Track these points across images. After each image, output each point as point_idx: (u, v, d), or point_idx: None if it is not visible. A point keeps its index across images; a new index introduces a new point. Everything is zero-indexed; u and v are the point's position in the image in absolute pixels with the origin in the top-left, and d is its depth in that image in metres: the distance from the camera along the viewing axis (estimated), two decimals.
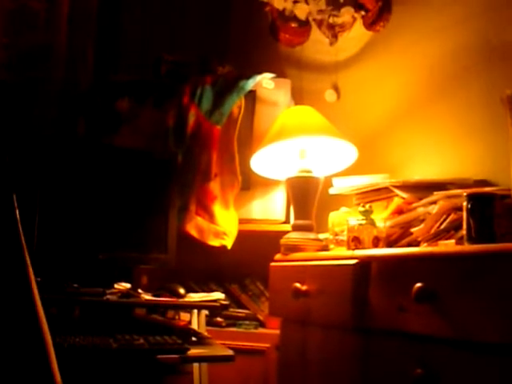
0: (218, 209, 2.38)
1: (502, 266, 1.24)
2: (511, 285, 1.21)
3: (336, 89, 2.62)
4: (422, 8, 2.29)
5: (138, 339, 1.82)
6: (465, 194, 1.49)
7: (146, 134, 2.54)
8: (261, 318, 2.55)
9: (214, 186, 2.39)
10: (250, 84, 2.45)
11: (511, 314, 1.20)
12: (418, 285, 1.42)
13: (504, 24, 1.99)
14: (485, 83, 2.04)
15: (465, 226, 1.49)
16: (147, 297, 2.06)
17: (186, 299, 2.10)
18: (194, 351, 1.85)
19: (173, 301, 2.05)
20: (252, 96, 2.49)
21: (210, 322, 2.50)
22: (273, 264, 2.08)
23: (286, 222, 2.42)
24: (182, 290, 2.10)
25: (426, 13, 2.28)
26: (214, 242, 2.38)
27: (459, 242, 1.58)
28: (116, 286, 2.15)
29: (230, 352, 1.92)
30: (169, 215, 2.25)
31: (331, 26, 2.63)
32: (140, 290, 2.14)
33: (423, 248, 1.64)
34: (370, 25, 2.48)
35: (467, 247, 1.44)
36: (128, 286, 2.17)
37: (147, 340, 1.82)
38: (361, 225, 1.82)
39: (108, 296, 2.00)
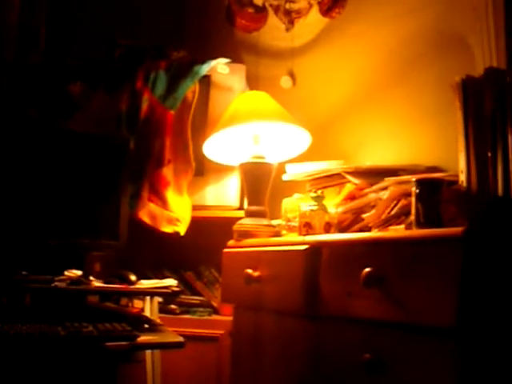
0: (171, 195, 2.36)
1: (446, 250, 1.25)
2: (454, 269, 1.22)
3: (292, 75, 2.61)
4: None
5: (87, 327, 1.79)
6: (413, 179, 1.49)
7: (98, 119, 2.50)
8: (215, 304, 2.54)
9: (167, 171, 2.36)
10: (205, 69, 2.42)
11: (454, 297, 1.21)
12: (367, 270, 1.42)
13: (455, 13, 2.01)
14: (437, 70, 2.05)
15: (413, 211, 1.50)
16: (97, 284, 2.02)
17: (137, 286, 2.07)
18: (143, 338, 1.83)
19: (123, 287, 2.02)
20: (206, 81, 2.46)
21: (163, 309, 2.48)
22: (226, 250, 2.07)
23: (240, 208, 2.41)
24: (133, 277, 2.07)
25: (381, 0, 2.28)
26: (167, 229, 2.36)
27: (409, 227, 1.59)
28: (66, 273, 2.11)
29: (181, 339, 1.91)
30: (120, 201, 2.22)
31: (288, 12, 2.62)
32: (91, 277, 2.10)
33: (372, 233, 1.65)
34: (326, 11, 2.48)
35: (413, 232, 1.45)
36: (79, 272, 2.13)
37: (96, 327, 1.79)
38: (312, 211, 1.82)
39: (56, 283, 1.96)
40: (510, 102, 1.42)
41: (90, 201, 2.20)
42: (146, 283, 2.11)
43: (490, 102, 1.46)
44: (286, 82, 2.58)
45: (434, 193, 1.45)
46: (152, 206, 2.35)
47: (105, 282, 2.05)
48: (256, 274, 1.84)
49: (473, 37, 1.93)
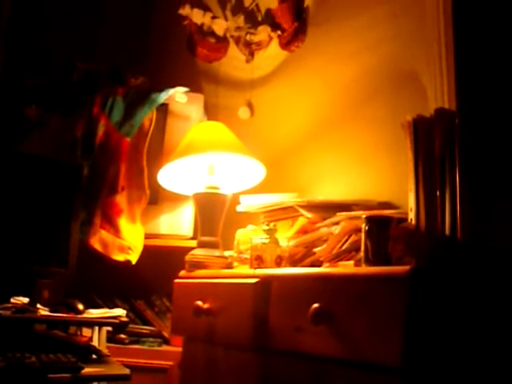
0: (123, 223, 2.33)
1: (392, 288, 1.26)
2: (400, 307, 1.23)
3: (250, 106, 2.62)
4: (336, 32, 2.32)
5: (30, 357, 1.73)
6: (363, 216, 1.50)
7: (53, 143, 2.46)
8: (166, 335, 2.50)
9: (121, 199, 2.33)
10: (163, 97, 2.42)
11: (400, 336, 1.21)
12: (315, 306, 1.42)
13: (410, 52, 2.05)
14: (391, 107, 2.08)
15: (362, 247, 1.51)
16: (44, 312, 1.98)
17: (85, 315, 2.03)
18: (88, 370, 1.78)
19: (69, 317, 1.98)
20: (164, 109, 2.45)
21: (113, 338, 2.43)
22: (177, 281, 2.05)
23: (194, 237, 2.39)
24: (80, 306, 2.03)
25: (340, 36, 2.32)
26: (119, 257, 2.32)
27: (358, 263, 1.59)
28: (13, 300, 2.06)
29: (127, 371, 1.87)
30: (71, 228, 2.18)
31: (248, 44, 2.64)
32: (39, 305, 2.05)
33: (320, 269, 1.65)
34: (285, 45, 2.50)
35: (361, 269, 1.45)
36: (26, 300, 2.08)
37: (39, 358, 1.74)
38: (264, 244, 1.82)
39: (0, 311, 1.90)
40: (458, 143, 1.45)
41: (40, 226, 2.16)
42: (94, 312, 2.07)
43: (440, 142, 1.48)
44: (244, 112, 2.59)
45: (382, 230, 1.46)
46: (104, 234, 2.31)
47: (51, 311, 2.00)
48: (206, 306, 1.82)
49: (426, 76, 1.97)
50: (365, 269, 1.45)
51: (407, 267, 1.28)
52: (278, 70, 2.56)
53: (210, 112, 2.64)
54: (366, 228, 1.48)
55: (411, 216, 1.51)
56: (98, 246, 2.31)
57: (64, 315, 1.98)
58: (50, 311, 2.00)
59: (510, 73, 1.64)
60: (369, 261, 1.47)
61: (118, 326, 2.10)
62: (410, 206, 1.52)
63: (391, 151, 2.05)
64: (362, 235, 1.51)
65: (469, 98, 1.57)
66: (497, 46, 1.73)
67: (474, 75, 1.63)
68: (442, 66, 1.87)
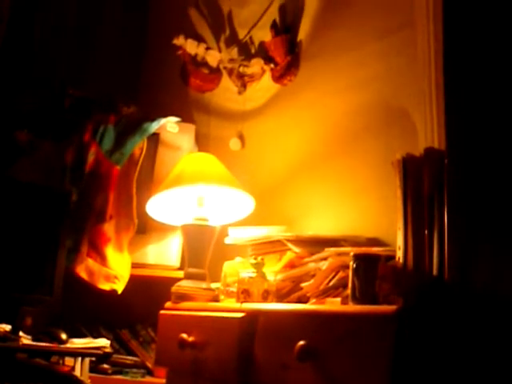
0: (110, 251, 2.31)
1: (379, 328, 1.26)
2: (386, 347, 1.22)
3: (241, 137, 2.63)
4: (328, 67, 2.35)
5: None
6: (351, 253, 1.50)
7: (43, 168, 2.46)
8: (149, 365, 2.47)
9: (109, 227, 2.32)
10: (154, 126, 2.42)
11: (386, 375, 1.20)
12: (301, 343, 1.41)
13: (402, 89, 2.06)
14: (382, 143, 2.09)
15: (350, 285, 1.50)
16: (26, 341, 1.95)
17: (68, 345, 2.01)
18: None
19: (51, 347, 1.95)
20: (155, 139, 2.46)
21: (95, 368, 2.39)
22: (162, 312, 2.03)
23: (181, 268, 2.37)
24: (63, 335, 2.01)
25: (332, 72, 2.34)
26: (105, 286, 2.30)
27: (345, 300, 1.59)
28: None
29: None
30: (57, 255, 2.16)
31: (241, 76, 2.66)
32: (21, 333, 2.03)
33: (308, 306, 1.64)
34: (278, 78, 2.52)
35: (348, 307, 1.45)
36: (8, 327, 2.05)
37: None
38: (251, 278, 1.81)
39: None
40: (447, 184, 1.45)
41: (26, 252, 2.14)
42: (77, 342, 2.05)
43: (429, 181, 1.49)
44: (235, 144, 2.59)
45: (370, 269, 1.46)
46: (90, 262, 2.30)
47: (34, 340, 1.97)
48: (191, 338, 1.80)
49: (417, 114, 1.98)
50: (352, 307, 1.44)
51: (394, 307, 1.27)
52: (270, 102, 2.58)
53: (201, 142, 2.65)
54: (354, 266, 1.48)
55: (399, 254, 1.50)
56: (83, 275, 2.29)
57: (46, 345, 1.95)
58: (33, 340, 1.97)
59: (499, 114, 1.65)
60: (356, 299, 1.46)
61: (102, 357, 2.08)
62: (398, 245, 1.52)
63: (380, 187, 2.05)
64: (350, 273, 1.50)
65: (458, 138, 1.57)
66: (486, 87, 1.75)
67: (464, 116, 1.64)
68: (433, 104, 1.89)
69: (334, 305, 1.56)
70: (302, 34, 2.50)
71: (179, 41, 2.76)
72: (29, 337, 2.00)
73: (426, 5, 2.04)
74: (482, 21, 1.89)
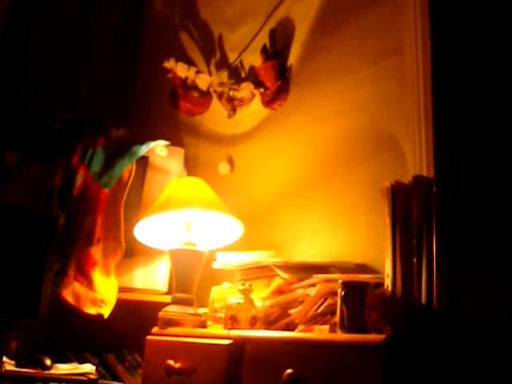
0: (97, 275, 2.28)
1: (367, 357, 1.25)
2: (374, 376, 1.22)
3: (230, 161, 2.62)
4: (318, 92, 2.35)
5: None
6: (340, 281, 1.50)
7: (31, 190, 2.44)
8: None
9: (96, 251, 2.30)
10: (143, 150, 2.41)
11: None
12: (288, 371, 1.40)
13: (391, 116, 2.07)
14: (371, 169, 2.10)
15: (338, 313, 1.50)
16: (9, 366, 1.92)
17: (52, 371, 1.98)
18: None
19: (35, 373, 1.92)
20: (144, 162, 2.44)
21: None
22: (149, 337, 2.01)
23: (168, 293, 2.35)
24: (48, 361, 1.98)
25: (321, 97, 2.34)
26: (91, 310, 2.27)
27: (333, 328, 1.57)
28: None
29: None
30: (43, 279, 2.14)
31: (231, 100, 2.66)
32: (5, 358, 1.99)
33: (296, 333, 1.63)
34: (267, 102, 2.52)
35: (336, 336, 1.44)
36: None
37: None
38: (239, 304, 1.80)
39: None
40: (435, 212, 1.45)
41: (12, 276, 2.11)
42: (61, 368, 2.02)
43: (418, 209, 1.49)
44: (224, 168, 2.59)
45: (359, 296, 1.46)
46: (77, 286, 2.27)
47: (17, 366, 1.94)
48: (178, 365, 1.79)
49: (406, 140, 1.99)
50: (340, 335, 1.43)
51: (382, 336, 1.27)
52: (260, 126, 2.58)
53: (191, 166, 2.64)
54: (342, 293, 1.47)
55: (388, 282, 1.50)
56: (70, 299, 2.26)
57: (30, 371, 1.92)
58: (16, 366, 1.94)
59: (487, 142, 1.66)
60: (344, 327, 1.45)
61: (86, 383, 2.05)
62: (386, 272, 1.52)
63: (369, 213, 2.05)
64: (338, 300, 1.50)
65: (446, 166, 1.58)
66: (475, 114, 1.76)
67: (452, 143, 1.65)
68: (421, 130, 1.90)
69: (322, 333, 1.55)
70: (292, 58, 2.51)
71: (170, 64, 2.76)
72: (12, 362, 1.97)
73: (415, 31, 2.05)
74: (470, 47, 1.91)
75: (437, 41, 1.97)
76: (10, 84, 2.95)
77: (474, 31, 1.91)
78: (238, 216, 2.18)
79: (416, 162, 1.89)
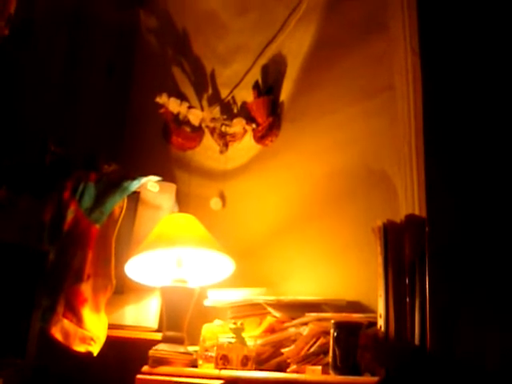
0: (87, 312, 2.25)
1: None
2: None
3: (222, 197, 2.61)
4: (309, 129, 2.37)
5: None
6: (332, 321, 1.48)
7: (20, 226, 2.41)
8: None
9: (86, 287, 2.26)
10: (135, 185, 2.40)
11: None
12: None
13: (382, 152, 2.08)
14: (362, 206, 2.10)
15: (331, 353, 1.48)
16: None
17: None
18: None
19: None
20: (135, 197, 2.43)
21: None
22: (139, 376, 1.98)
23: (159, 330, 2.32)
24: None
25: (313, 133, 2.36)
26: (80, 348, 2.23)
27: (326, 367, 1.56)
28: None
29: None
30: (32, 316, 2.10)
31: (223, 135, 2.66)
32: None
33: (287, 374, 1.61)
34: (259, 138, 2.53)
35: (328, 377, 1.43)
36: None
37: None
38: (230, 343, 1.77)
39: None
40: (428, 251, 1.45)
41: None
42: None
43: (410, 249, 1.48)
44: (215, 204, 2.58)
45: (351, 337, 1.44)
46: (66, 323, 2.23)
47: None
48: None
49: (398, 177, 2.00)
50: (332, 377, 1.42)
51: (375, 379, 1.25)
52: (252, 162, 2.58)
53: (182, 201, 2.62)
54: (335, 334, 1.46)
55: (380, 323, 1.49)
56: (58, 336, 2.22)
57: None
58: None
59: (480, 180, 1.66)
60: (337, 368, 1.44)
61: None
62: (379, 312, 1.50)
63: (361, 249, 2.05)
64: (331, 341, 1.48)
65: (439, 205, 1.58)
66: (466, 151, 1.77)
67: (444, 181, 1.65)
68: (413, 168, 1.91)
69: (314, 374, 1.53)
70: (284, 94, 2.53)
71: (162, 99, 2.77)
72: None
73: (406, 68, 2.08)
74: (461, 85, 1.93)
75: (428, 78, 1.99)
76: (2, 119, 2.95)
77: (464, 68, 1.94)
78: (229, 252, 2.16)
79: (408, 199, 1.89)
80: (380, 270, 1.51)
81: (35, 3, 3.13)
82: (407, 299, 1.45)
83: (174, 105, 2.75)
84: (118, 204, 2.37)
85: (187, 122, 2.78)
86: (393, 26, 2.11)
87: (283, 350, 1.78)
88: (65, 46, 3.23)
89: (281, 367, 1.78)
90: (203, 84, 2.96)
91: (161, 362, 1.96)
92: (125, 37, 3.52)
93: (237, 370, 1.73)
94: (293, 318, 1.86)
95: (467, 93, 1.94)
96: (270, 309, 1.91)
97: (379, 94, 2.15)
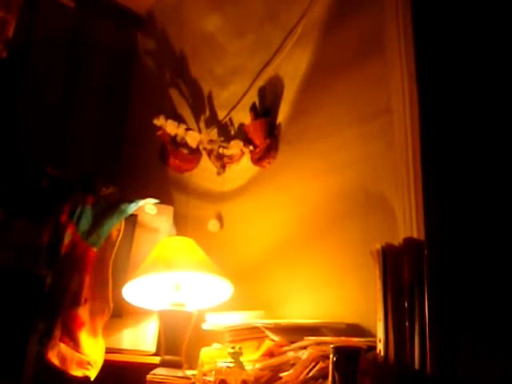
0: (84, 336, 2.23)
1: None
2: None
3: (220, 218, 2.62)
4: (307, 151, 2.36)
5: None
6: (331, 346, 1.47)
7: (17, 249, 2.40)
8: None
9: (83, 311, 2.25)
10: (132, 208, 2.40)
11: None
12: None
13: (379, 174, 2.08)
14: (360, 228, 2.09)
15: (330, 378, 1.47)
16: None
17: None
18: None
19: None
20: (133, 220, 2.42)
21: None
22: None
23: (157, 353, 2.30)
24: None
25: (310, 156, 2.35)
26: (77, 372, 2.21)
27: None
28: None
29: None
30: (28, 341, 2.09)
31: (220, 157, 2.67)
32: None
33: None
34: (256, 160, 2.53)
35: None
36: None
37: None
38: (229, 368, 1.76)
39: None
40: (427, 275, 1.44)
41: None
42: None
43: (409, 272, 1.48)
44: (213, 225, 2.58)
45: (351, 362, 1.43)
46: (63, 347, 2.21)
47: None
48: None
49: (396, 200, 1.99)
50: None
51: None
52: (249, 184, 2.58)
53: (180, 223, 2.62)
54: (334, 359, 1.45)
55: (380, 347, 1.48)
56: (55, 360, 2.20)
57: None
58: None
59: (479, 203, 1.67)
60: None
61: None
62: (378, 337, 1.50)
63: (359, 272, 2.04)
64: (330, 366, 1.47)
65: (437, 228, 1.58)
66: (464, 174, 1.77)
67: (443, 205, 1.65)
68: (411, 191, 1.90)
69: None
70: (281, 117, 2.54)
71: (159, 121, 2.78)
72: None
73: (402, 92, 2.09)
74: (458, 108, 1.94)
75: (424, 102, 2.00)
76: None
77: (461, 91, 1.95)
78: (226, 274, 2.15)
79: (406, 222, 1.89)
80: (379, 294, 1.51)
81: (34, 26, 3.15)
82: (406, 323, 1.45)
83: (171, 127, 2.77)
84: (115, 227, 2.37)
85: (185, 144, 2.79)
86: (389, 49, 2.12)
87: (282, 375, 1.76)
88: (62, 68, 3.25)
89: None
90: (200, 106, 2.98)
91: None
92: (122, 59, 3.55)
93: None
94: (292, 342, 1.85)
95: (464, 115, 1.95)
96: (268, 332, 1.90)
97: (376, 117, 2.15)
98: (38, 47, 3.18)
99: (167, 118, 2.79)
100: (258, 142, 2.52)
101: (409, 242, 1.53)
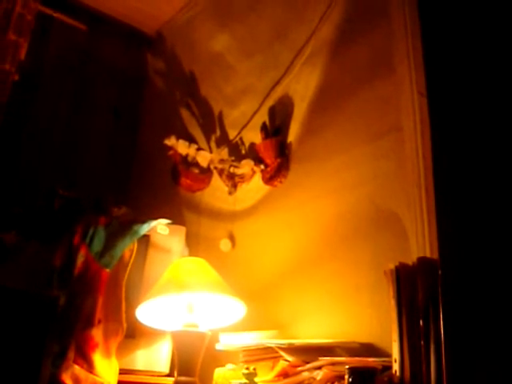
0: (98, 357, 2.23)
1: None
2: None
3: (231, 238, 2.62)
4: (318, 170, 2.37)
5: None
6: (346, 366, 1.47)
7: (30, 272, 2.41)
8: None
9: (97, 332, 2.25)
10: (145, 229, 2.41)
11: None
12: None
13: (391, 193, 2.08)
14: (372, 247, 2.08)
15: None
16: None
17: None
18: None
19: None
20: (145, 241, 2.43)
21: None
22: None
23: (170, 374, 2.30)
24: None
25: (321, 174, 2.35)
26: None
27: None
28: None
29: None
30: (42, 363, 2.09)
31: (231, 176, 2.68)
32: None
33: None
34: (268, 179, 2.54)
35: None
36: None
37: None
38: None
39: None
40: (441, 294, 1.44)
41: (8, 359, 2.06)
42: None
43: (423, 291, 1.47)
44: (225, 245, 2.58)
45: (366, 383, 1.42)
46: (77, 369, 2.21)
47: None
48: None
49: (407, 218, 1.99)
50: None
51: None
52: (260, 203, 2.59)
53: (192, 242, 2.63)
54: (350, 380, 1.44)
55: (396, 367, 1.47)
56: (69, 382, 2.19)
57: None
58: None
59: (492, 221, 1.66)
60: None
61: None
62: (394, 357, 1.49)
63: (372, 291, 2.03)
64: None
65: (451, 247, 1.58)
66: (477, 193, 1.77)
67: (456, 224, 1.65)
68: (423, 210, 1.90)
69: None
70: (292, 136, 2.54)
71: (171, 141, 2.79)
72: None
73: (413, 109, 2.09)
74: (468, 124, 1.94)
75: (435, 119, 2.00)
76: (9, 164, 2.98)
77: (471, 109, 1.95)
78: (239, 294, 2.15)
79: (418, 241, 1.88)
80: (393, 314, 1.51)
81: (46, 49, 3.19)
82: (422, 343, 1.44)
83: (182, 147, 2.78)
84: (128, 248, 2.38)
85: (196, 164, 2.80)
86: (399, 68, 2.13)
87: None
88: (72, 89, 3.29)
89: None
90: (211, 125, 2.99)
91: None
92: (133, 79, 3.58)
93: None
94: (306, 362, 1.84)
95: (475, 132, 1.95)
96: (282, 353, 1.90)
97: (386, 136, 2.15)
98: (50, 69, 3.21)
99: (178, 137, 2.80)
100: (268, 161, 2.53)
101: (423, 261, 1.52)
